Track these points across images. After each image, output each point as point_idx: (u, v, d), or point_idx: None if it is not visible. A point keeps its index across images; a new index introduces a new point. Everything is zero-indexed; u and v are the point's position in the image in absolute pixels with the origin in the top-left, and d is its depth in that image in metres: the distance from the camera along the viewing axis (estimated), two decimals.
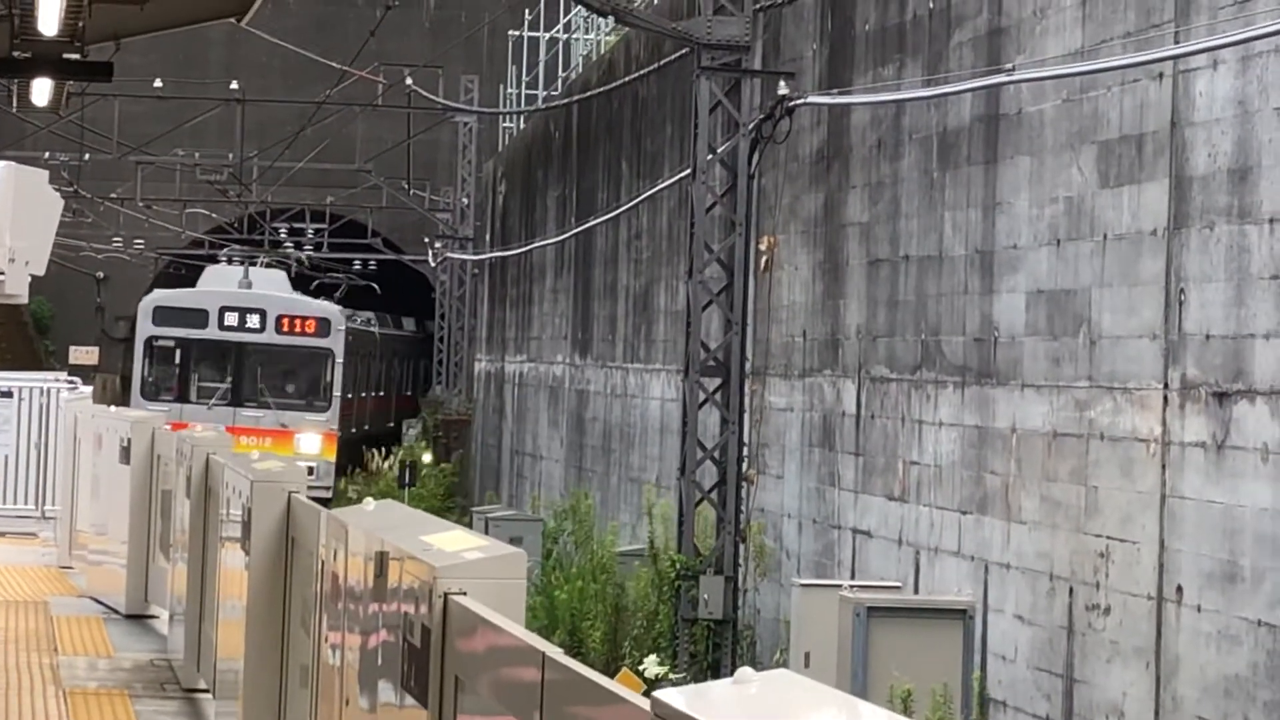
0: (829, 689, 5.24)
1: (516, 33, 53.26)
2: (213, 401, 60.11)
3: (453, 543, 8.50)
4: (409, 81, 50.61)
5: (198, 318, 61.45)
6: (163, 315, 61.75)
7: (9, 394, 40.83)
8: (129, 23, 23.89)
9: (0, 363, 43.81)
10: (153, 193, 57.31)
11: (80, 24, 19.01)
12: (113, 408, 32.84)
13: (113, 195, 56.17)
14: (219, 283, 66.03)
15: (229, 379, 61.62)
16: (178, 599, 19.43)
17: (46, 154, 49.69)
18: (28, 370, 44.68)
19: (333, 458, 62.05)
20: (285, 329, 62.04)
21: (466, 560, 8.02)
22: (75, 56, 20.06)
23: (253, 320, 61.21)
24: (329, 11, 53.88)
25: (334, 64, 46.83)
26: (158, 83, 50.22)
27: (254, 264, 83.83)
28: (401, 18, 45.97)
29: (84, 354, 56.43)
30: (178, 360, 62.94)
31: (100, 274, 57.30)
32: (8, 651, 20.91)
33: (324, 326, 63.09)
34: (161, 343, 61.81)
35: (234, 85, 51.33)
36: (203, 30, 26.19)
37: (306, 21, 50.14)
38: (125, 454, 23.99)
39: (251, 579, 13.64)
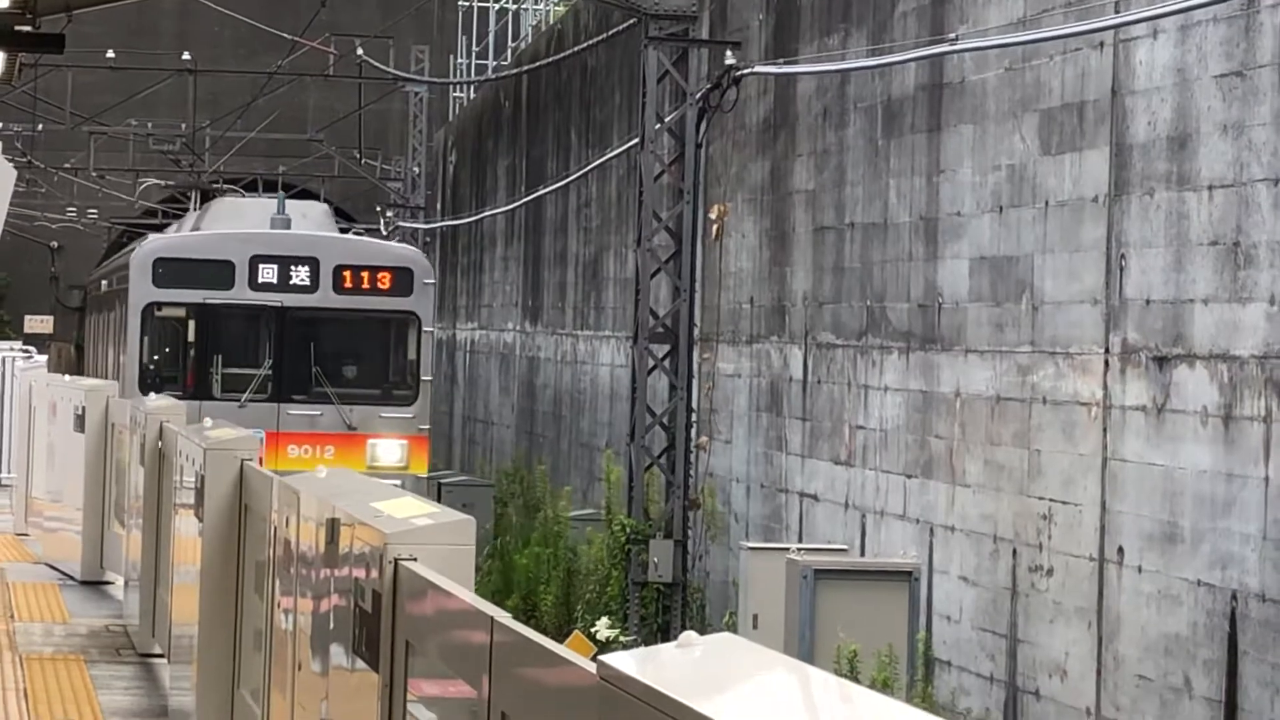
0: (770, 651, 5.25)
1: (466, 3, 53.16)
2: (246, 396, 36.30)
3: (403, 509, 8.52)
4: (360, 52, 50.28)
5: (219, 273, 37.81)
6: (168, 271, 37.44)
7: None
8: None
9: None
10: (106, 163, 56.42)
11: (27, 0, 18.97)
12: (65, 376, 32.75)
13: (66, 165, 55.65)
14: (236, 221, 40.64)
15: (269, 362, 37.51)
16: (133, 565, 19.42)
17: (2, 125, 49.47)
18: None
19: (424, 471, 38.08)
20: (348, 285, 38.41)
21: (416, 526, 8.04)
22: (27, 28, 20.04)
23: (300, 274, 37.96)
24: None
25: (285, 34, 46.61)
26: (110, 53, 49.84)
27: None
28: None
29: (39, 323, 53.18)
30: (191, 336, 38.29)
31: (54, 243, 56.82)
32: None
33: (404, 280, 38.40)
34: (167, 311, 37.93)
35: (186, 56, 50.99)
36: (154, 1, 26.16)
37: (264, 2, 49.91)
38: (80, 422, 23.98)
39: (205, 545, 13.63)
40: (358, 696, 8.38)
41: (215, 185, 63.20)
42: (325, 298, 32.90)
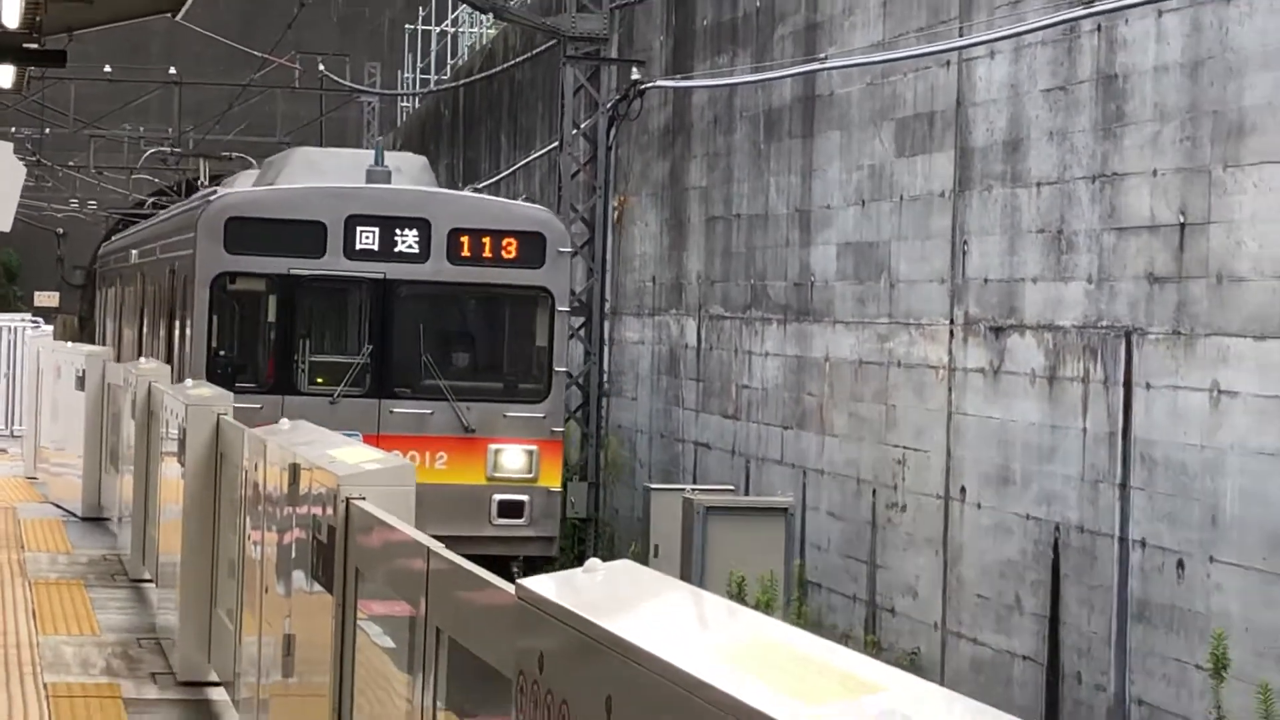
0: (659, 574, 5.28)
1: (412, 26, 52.99)
2: (339, 390, 25.16)
3: (353, 456, 8.51)
4: (321, 68, 50.08)
5: (308, 237, 25.31)
6: (244, 234, 25.41)
7: None
8: (80, 16, 23.68)
9: None
10: (103, 161, 56.10)
11: (38, 18, 18.90)
12: (69, 343, 32.53)
13: (69, 164, 55.33)
14: (316, 174, 27.15)
15: (368, 348, 25.43)
16: (125, 504, 19.35)
17: (13, 129, 49.05)
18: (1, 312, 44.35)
19: (557, 483, 26.30)
20: (465, 254, 25.82)
21: (365, 470, 8.03)
22: (34, 46, 19.95)
23: (407, 239, 25.51)
24: (252, 7, 53.42)
25: (257, 52, 46.42)
26: (107, 68, 49.58)
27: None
28: (314, 13, 45.80)
29: (47, 298, 52.49)
30: (271, 315, 26.45)
31: (60, 230, 56.42)
32: None
33: (534, 248, 25.94)
34: (242, 284, 26.16)
35: (172, 70, 50.73)
36: (145, 23, 26.03)
37: (234, 15, 49.77)
38: (80, 382, 23.89)
39: (186, 487, 13.59)
40: (315, 615, 8.37)
41: (196, 181, 54.64)
42: (438, 269, 21.63)
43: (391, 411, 20.78)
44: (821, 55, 24.13)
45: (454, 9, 49.27)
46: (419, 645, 6.63)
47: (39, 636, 15.57)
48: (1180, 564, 16.22)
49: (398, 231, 21.26)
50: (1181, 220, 16.45)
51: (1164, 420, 16.55)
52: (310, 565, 8.56)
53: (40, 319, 43.79)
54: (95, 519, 23.11)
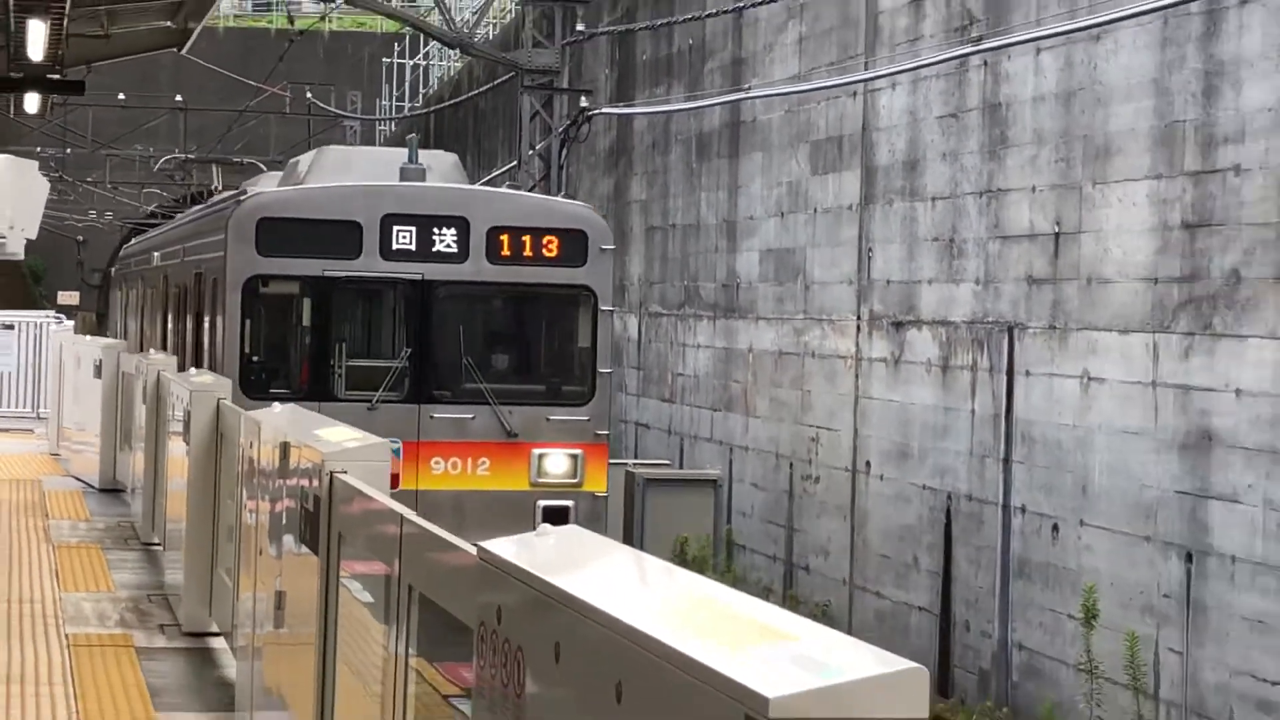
0: (602, 538, 5.27)
1: (389, 60, 52.86)
2: (378, 396, 18.85)
3: (336, 435, 8.48)
4: (309, 96, 49.85)
5: (342, 237, 19.04)
6: (276, 235, 18.99)
7: (11, 326, 40.44)
8: (97, 51, 23.63)
9: (5, 304, 43.14)
10: (118, 178, 55.74)
11: (60, 52, 18.83)
12: (87, 336, 32.39)
13: (88, 180, 54.98)
14: (347, 173, 20.54)
15: (406, 351, 19.08)
16: (137, 477, 19.30)
17: (38, 149, 48.79)
18: (26, 310, 44.14)
19: (603, 488, 19.83)
20: (505, 253, 19.39)
21: (347, 448, 8.00)
22: (57, 77, 19.87)
23: (445, 238, 19.11)
24: (249, 42, 53.18)
25: (253, 82, 46.26)
26: (121, 96, 49.27)
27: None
28: (303, 48, 45.65)
29: (68, 297, 51.98)
30: (306, 318, 19.62)
31: (80, 238, 56.03)
32: (13, 516, 20.73)
33: (575, 246, 19.51)
34: (275, 287, 19.47)
35: (178, 98, 50.43)
36: (154, 56, 25.96)
37: (233, 49, 49.55)
38: (98, 370, 23.81)
39: (190, 462, 13.54)
40: (303, 574, 8.35)
41: (201, 194, 52.42)
42: (477, 269, 18.28)
43: (432, 417, 17.24)
44: (746, 86, 24.15)
45: (425, 44, 49.18)
46: (393, 600, 6.61)
47: (61, 593, 15.52)
48: (1055, 528, 16.29)
49: (435, 231, 17.76)
50: (1056, 230, 16.51)
51: (1041, 403, 16.62)
52: (298, 530, 8.53)
53: (63, 315, 43.61)
54: (111, 490, 23.03)
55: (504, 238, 17.68)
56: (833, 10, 21.61)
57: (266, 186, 19.33)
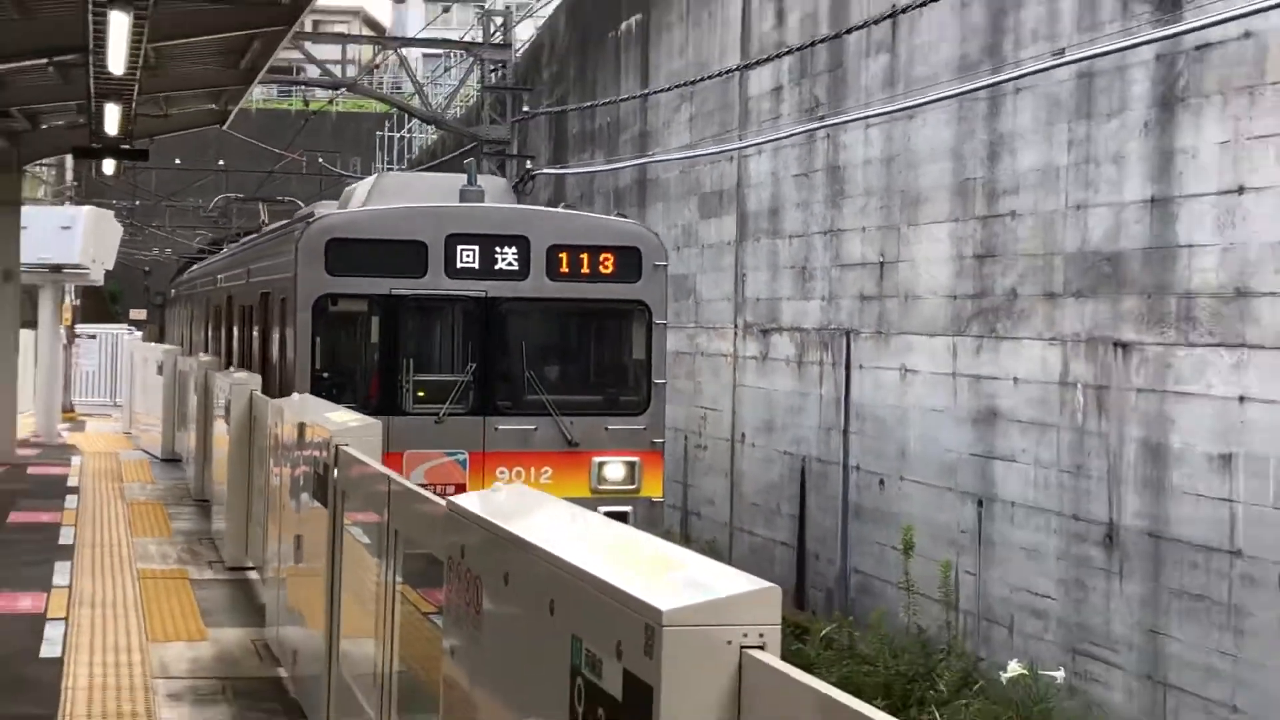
0: (541, 494, 5.29)
1: (381, 132, 52.55)
2: (445, 409, 14.26)
3: (341, 417, 8.46)
4: (320, 160, 49.65)
5: (409, 257, 14.59)
6: (345, 255, 14.50)
7: (94, 336, 40.24)
8: (158, 126, 23.43)
9: (90, 319, 42.87)
10: (175, 223, 55.18)
11: (130, 128, 18.68)
12: (152, 343, 32.17)
13: (152, 224, 54.50)
14: (407, 197, 15.94)
15: (471, 366, 14.64)
16: (190, 449, 19.18)
17: (114, 201, 48.29)
18: (106, 324, 43.87)
19: (659, 493, 15.27)
20: (564, 270, 14.93)
21: (349, 427, 7.99)
22: (127, 147, 19.72)
23: (507, 257, 14.66)
24: (274, 120, 52.76)
25: (277, 150, 45.97)
26: (176, 160, 48.92)
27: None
28: (315, 124, 45.40)
29: (138, 314, 51.60)
30: (375, 336, 14.98)
31: (146, 268, 55.50)
32: (97, 480, 20.59)
33: (630, 262, 15.04)
34: (344, 306, 14.84)
35: (221, 162, 50.00)
36: (202, 130, 25.91)
37: (262, 125, 49.10)
38: (160, 369, 23.66)
39: (231, 438, 13.48)
40: (315, 522, 8.32)
41: (238, 234, 46.58)
42: (538, 286, 15.23)
43: (496, 429, 14.31)
44: (650, 153, 24.16)
45: (409, 121, 48.90)
46: (383, 541, 6.61)
47: (132, 538, 15.41)
48: (881, 482, 16.38)
49: (497, 249, 14.59)
50: (881, 260, 16.60)
51: (870, 389, 16.71)
52: (311, 489, 8.51)
53: (134, 328, 43.29)
54: (170, 459, 22.89)
55: (563, 255, 14.68)
56: (714, 96, 21.65)
57: (326, 211, 16.17)
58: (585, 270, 14.55)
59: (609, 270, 14.56)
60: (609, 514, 12.65)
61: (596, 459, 14.40)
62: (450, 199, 15.13)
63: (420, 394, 14.11)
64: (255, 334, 16.96)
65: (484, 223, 14.34)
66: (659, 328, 14.67)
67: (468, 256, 14.36)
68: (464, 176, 15.55)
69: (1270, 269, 10.99)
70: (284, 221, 17.74)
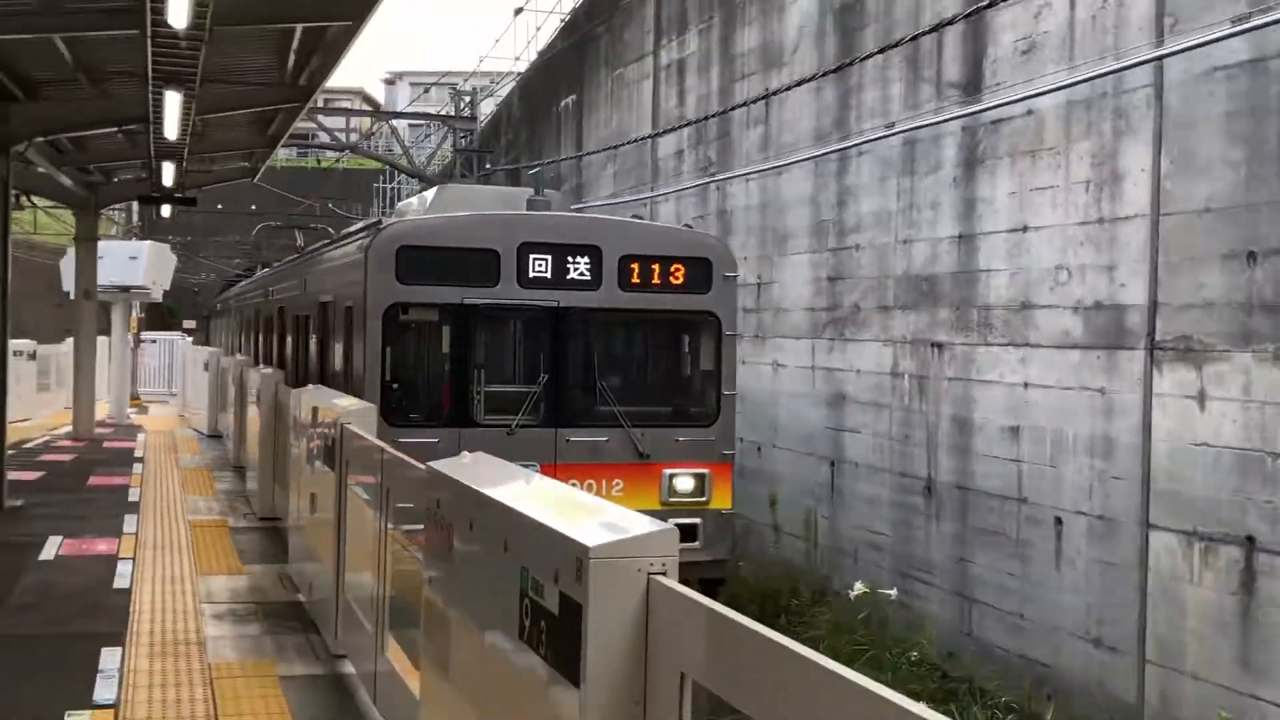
0: (502, 461, 5.27)
1: (378, 184, 52.12)
2: (517, 421, 10.38)
3: (345, 402, 8.39)
4: (330, 205, 49.21)
5: (481, 266, 10.36)
6: (415, 264, 10.31)
7: (155, 341, 39.74)
8: (204, 179, 23.15)
9: (152, 328, 42.34)
10: (216, 254, 54.66)
11: (182, 180, 18.46)
12: (200, 347, 31.77)
13: (200, 255, 53.96)
14: (469, 207, 11.88)
15: (543, 378, 10.53)
16: (230, 428, 18.94)
17: (170, 237, 47.70)
18: (165, 331, 43.35)
19: (728, 504, 11.24)
20: (635, 280, 10.64)
21: (351, 410, 7.93)
22: (180, 195, 19.48)
23: (579, 267, 10.42)
24: (295, 174, 52.23)
25: (296, 198, 45.51)
26: (219, 205, 48.40)
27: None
28: (327, 178, 45.01)
29: (189, 324, 51.05)
30: (446, 346, 10.69)
31: (195, 289, 54.87)
32: (158, 453, 20.30)
33: (701, 273, 11.03)
34: (415, 315, 10.43)
35: (253, 207, 49.51)
36: (238, 182, 25.63)
37: (285, 178, 48.56)
38: (205, 366, 23.38)
39: (260, 419, 13.33)
40: (326, 482, 8.25)
41: (268, 262, 44.15)
42: (610, 296, 11.11)
43: (567, 440, 11.15)
44: (585, 200, 24.10)
45: (398, 175, 48.53)
46: (379, 496, 6.58)
47: (185, 496, 15.22)
48: (759, 448, 16.44)
49: (569, 259, 11.35)
50: (759, 281, 16.66)
51: (752, 379, 16.77)
52: (323, 457, 8.44)
53: (187, 335, 42.79)
54: (214, 436, 22.59)
55: (634, 265, 11.37)
56: (632, 157, 21.62)
57: (396, 219, 12.49)
58: (656, 280, 11.44)
59: (679, 281, 11.54)
60: (678, 527, 9.00)
61: (667, 471, 11.35)
62: (512, 210, 11.99)
63: (491, 406, 11.09)
64: (313, 343, 13.98)
65: (557, 232, 11.23)
66: (729, 339, 11.77)
67: (540, 266, 11.17)
68: (522, 190, 12.70)
69: (1046, 288, 11.15)
70: (349, 230, 14.24)
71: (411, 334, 11.20)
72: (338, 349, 12.14)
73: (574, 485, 9.51)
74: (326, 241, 14.85)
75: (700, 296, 11.52)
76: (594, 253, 11.19)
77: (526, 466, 8.74)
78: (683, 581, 3.00)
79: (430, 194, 12.81)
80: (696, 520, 11.18)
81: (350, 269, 11.65)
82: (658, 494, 11.15)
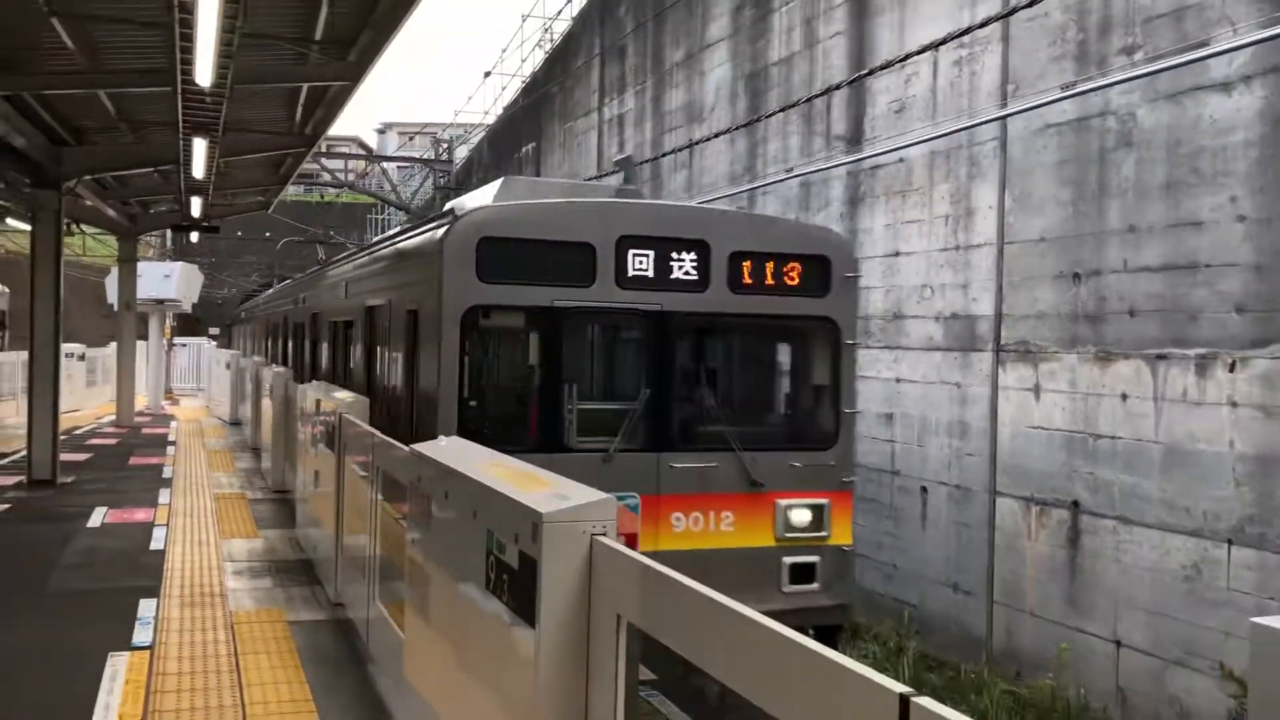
0: (475, 445, 5.24)
1: (371, 216, 51.53)
2: (616, 445, 5.96)
3: (343, 395, 8.31)
4: (331, 233, 48.67)
5: (573, 261, 5.86)
6: (500, 258, 5.69)
7: (185, 345, 39.12)
8: (226, 210, 22.82)
9: (183, 334, 41.68)
10: (237, 273, 53.86)
11: (208, 211, 18.19)
12: (223, 350, 31.28)
13: (222, 274, 53.14)
14: (537, 196, 6.96)
15: (644, 394, 6.04)
16: (248, 416, 18.66)
17: (198, 258, 46.95)
18: (193, 336, 42.69)
19: (849, 540, 6.57)
20: (747, 282, 6.08)
21: (348, 401, 7.86)
22: (206, 224, 19.22)
23: (684, 265, 5.92)
24: (302, 207, 51.55)
25: (303, 225, 44.95)
26: (239, 233, 47.68)
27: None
28: (328, 210, 44.44)
29: (214, 331, 50.68)
30: (534, 358, 6.11)
31: (219, 301, 54.07)
32: (188, 437, 19.96)
33: (817, 273, 6.33)
34: (498, 320, 5.85)
35: (267, 234, 48.85)
36: (255, 213, 25.26)
37: (294, 210, 47.88)
38: (227, 366, 23.03)
39: (273, 409, 13.16)
40: (327, 462, 8.15)
41: (284, 277, 40.47)
42: (719, 299, 6.07)
43: (671, 466, 7.20)
44: None
45: (388, 209, 48.05)
46: (372, 472, 6.51)
47: (210, 473, 14.98)
48: None
49: (674, 255, 7.29)
50: None
51: None
52: (325, 441, 8.35)
53: (213, 340, 42.18)
54: (235, 423, 22.26)
55: (746, 264, 7.78)
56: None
57: (473, 204, 8.27)
58: (769, 281, 7.79)
59: (795, 282, 7.86)
60: (794, 566, 7.61)
61: (782, 502, 7.67)
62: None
63: (585, 427, 7.47)
64: (356, 351, 10.37)
65: (660, 223, 7.61)
66: (848, 348, 7.97)
67: (641, 263, 7.50)
68: (590, 184, 9.89)
69: (914, 301, 11.29)
70: (411, 225, 10.18)
71: (493, 343, 7.53)
72: (394, 359, 8.57)
73: (678, 520, 7.16)
74: (378, 241, 11.09)
75: (818, 300, 7.90)
76: (701, 249, 7.53)
77: (624, 500, 6.31)
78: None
79: (495, 185, 8.67)
80: (814, 559, 7.67)
81: (416, 266, 7.91)
82: (771, 528, 7.63)
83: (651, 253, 7.40)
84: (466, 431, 6.75)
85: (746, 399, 7.99)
